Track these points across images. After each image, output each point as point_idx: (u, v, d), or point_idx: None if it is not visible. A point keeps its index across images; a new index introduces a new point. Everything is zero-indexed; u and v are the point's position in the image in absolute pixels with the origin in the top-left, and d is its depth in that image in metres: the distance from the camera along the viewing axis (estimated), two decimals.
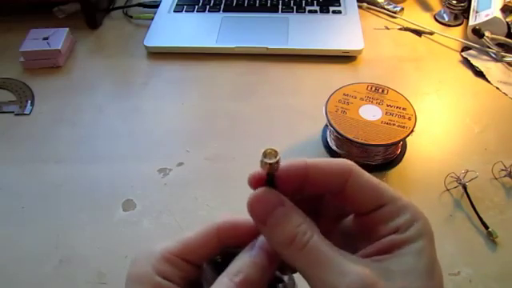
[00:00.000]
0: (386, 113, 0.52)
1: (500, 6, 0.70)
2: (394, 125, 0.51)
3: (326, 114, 0.53)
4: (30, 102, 0.65)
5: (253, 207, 0.22)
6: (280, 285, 0.25)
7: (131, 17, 0.80)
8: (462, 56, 0.70)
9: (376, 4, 0.81)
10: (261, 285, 0.22)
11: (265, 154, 0.23)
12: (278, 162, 0.22)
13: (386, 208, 0.22)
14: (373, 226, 0.23)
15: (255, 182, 0.23)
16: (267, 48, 0.70)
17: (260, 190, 0.22)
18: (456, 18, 0.78)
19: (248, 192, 0.24)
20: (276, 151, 0.22)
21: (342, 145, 0.53)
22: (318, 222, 0.23)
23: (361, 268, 0.20)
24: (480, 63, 0.68)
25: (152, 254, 0.23)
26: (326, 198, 0.26)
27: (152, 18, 0.77)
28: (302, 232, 0.21)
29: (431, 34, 0.74)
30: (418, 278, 0.20)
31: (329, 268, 0.20)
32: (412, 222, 0.22)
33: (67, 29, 0.73)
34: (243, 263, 0.22)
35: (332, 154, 0.55)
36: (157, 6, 0.80)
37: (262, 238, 0.23)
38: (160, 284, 0.23)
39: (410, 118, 0.52)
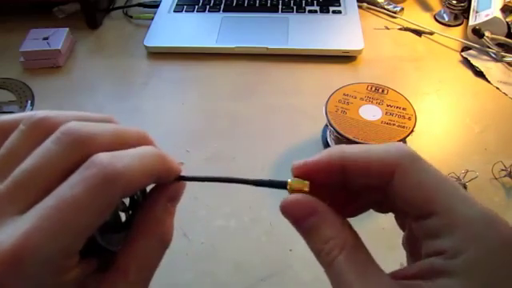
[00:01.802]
0: (386, 113, 0.52)
1: (500, 5, 0.70)
2: (394, 125, 0.51)
3: (326, 113, 0.53)
4: (29, 102, 0.65)
5: (286, 210, 0.21)
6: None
7: (131, 17, 0.80)
8: (461, 56, 0.70)
9: (376, 4, 0.81)
10: None
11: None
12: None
13: (434, 219, 0.18)
14: (419, 238, 0.19)
15: (297, 171, 0.22)
16: (267, 48, 0.70)
17: (294, 197, 0.21)
18: (456, 17, 0.78)
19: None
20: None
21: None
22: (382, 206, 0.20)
23: None
24: (480, 63, 0.68)
25: None
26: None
27: (152, 18, 0.77)
28: (328, 249, 0.19)
29: (431, 33, 0.74)
30: None
31: None
32: (464, 248, 0.17)
33: (67, 29, 0.73)
34: (159, 215, 0.22)
35: None
36: (157, 6, 0.80)
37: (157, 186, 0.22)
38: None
39: (410, 118, 0.52)
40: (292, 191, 0.21)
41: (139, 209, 0.22)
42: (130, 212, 0.24)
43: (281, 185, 0.22)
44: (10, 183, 0.18)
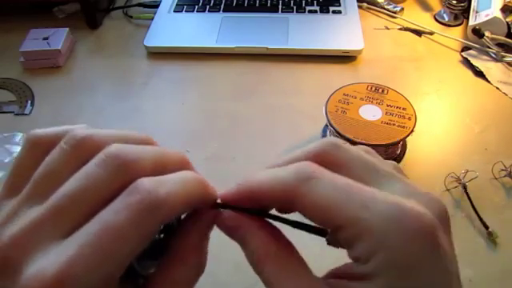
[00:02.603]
0: (386, 113, 0.52)
1: (500, 5, 0.70)
2: (393, 125, 0.51)
3: (326, 113, 0.53)
4: (29, 102, 0.65)
5: (219, 226, 0.22)
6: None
7: (131, 17, 0.80)
8: (461, 56, 0.70)
9: (376, 4, 0.81)
10: None
11: None
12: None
13: (342, 232, 0.18)
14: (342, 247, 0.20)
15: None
16: (267, 48, 0.70)
17: (225, 212, 0.22)
18: (456, 18, 0.78)
19: None
20: None
21: None
22: None
23: None
24: (480, 63, 0.68)
25: None
26: None
27: (152, 18, 0.77)
28: (256, 259, 0.20)
29: (431, 34, 0.74)
30: None
31: None
32: (371, 253, 0.17)
33: (67, 29, 0.73)
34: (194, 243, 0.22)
35: None
36: (157, 6, 0.80)
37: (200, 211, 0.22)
38: None
39: (410, 118, 0.52)
40: None
41: (175, 234, 0.22)
42: (162, 235, 0.23)
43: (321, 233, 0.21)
44: (52, 206, 0.18)
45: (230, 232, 0.21)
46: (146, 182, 0.18)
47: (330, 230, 0.20)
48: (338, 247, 0.20)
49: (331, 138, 0.22)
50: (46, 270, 0.16)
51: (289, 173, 0.20)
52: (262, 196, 0.21)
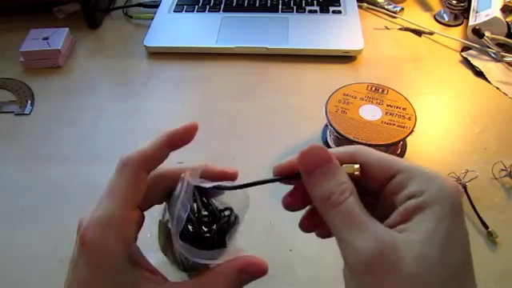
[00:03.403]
0: (386, 113, 0.52)
1: (500, 5, 0.70)
2: (393, 125, 0.51)
3: (326, 113, 0.53)
4: (29, 102, 0.65)
5: (304, 158, 0.24)
6: (226, 212, 0.27)
7: (131, 17, 0.80)
8: (461, 56, 0.70)
9: (376, 4, 0.81)
10: None
11: None
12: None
13: (397, 177, 0.23)
14: (390, 198, 0.23)
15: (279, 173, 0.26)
16: (267, 48, 0.70)
17: (313, 145, 0.24)
18: (456, 18, 0.78)
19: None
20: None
21: (342, 145, 0.53)
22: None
23: (384, 236, 0.21)
24: (480, 63, 0.68)
25: (111, 221, 0.24)
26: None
27: (152, 18, 0.77)
28: (341, 190, 0.23)
29: (431, 34, 0.74)
30: (435, 246, 0.20)
31: (356, 231, 0.21)
32: (426, 187, 0.22)
33: (67, 29, 0.73)
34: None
35: None
36: (157, 6, 0.80)
37: (252, 259, 0.26)
38: (130, 257, 0.24)
39: (410, 118, 0.52)
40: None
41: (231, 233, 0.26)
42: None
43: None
44: None
45: (316, 165, 0.24)
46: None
47: (388, 177, 0.23)
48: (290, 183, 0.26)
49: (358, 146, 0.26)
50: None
51: (348, 146, 0.25)
52: (336, 157, 0.24)
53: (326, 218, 0.23)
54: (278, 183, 0.26)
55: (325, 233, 0.27)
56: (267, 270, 0.25)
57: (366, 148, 0.25)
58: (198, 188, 0.26)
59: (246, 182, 0.26)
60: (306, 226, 0.27)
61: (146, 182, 0.26)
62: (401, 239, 0.21)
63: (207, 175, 0.27)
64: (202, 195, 0.26)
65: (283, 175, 0.26)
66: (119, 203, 0.24)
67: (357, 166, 0.24)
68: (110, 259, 0.23)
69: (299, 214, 0.29)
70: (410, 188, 0.22)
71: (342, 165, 0.24)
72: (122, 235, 0.24)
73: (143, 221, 0.27)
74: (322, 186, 0.23)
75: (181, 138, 0.28)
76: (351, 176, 0.24)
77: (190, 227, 0.26)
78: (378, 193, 0.24)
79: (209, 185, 0.26)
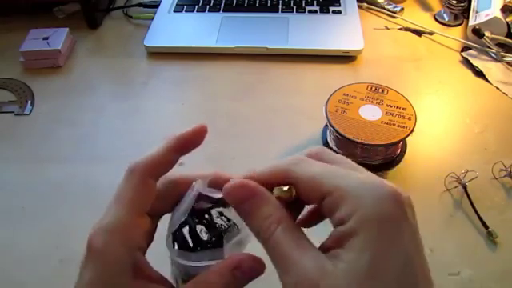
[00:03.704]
0: (386, 113, 0.52)
1: (500, 5, 0.70)
2: (394, 125, 0.51)
3: (326, 113, 0.53)
4: (29, 102, 0.65)
5: (228, 195, 0.23)
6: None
7: (131, 17, 0.80)
8: (462, 56, 0.70)
9: (376, 4, 0.81)
10: None
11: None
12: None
13: (328, 199, 0.21)
14: (326, 218, 0.22)
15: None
16: (267, 48, 0.70)
17: (234, 181, 0.23)
18: (456, 18, 0.78)
19: None
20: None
21: (342, 145, 0.53)
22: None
23: (308, 272, 0.20)
24: (480, 63, 0.68)
25: (116, 225, 0.24)
26: None
27: (152, 18, 0.77)
28: (266, 226, 0.22)
29: (431, 34, 0.74)
30: (357, 279, 0.19)
31: (282, 266, 0.21)
32: (353, 211, 0.20)
33: (67, 29, 0.73)
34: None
35: None
36: (157, 6, 0.80)
37: (248, 257, 0.25)
38: (137, 261, 0.24)
39: (410, 118, 0.52)
40: (278, 198, 0.23)
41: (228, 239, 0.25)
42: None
43: None
44: None
45: (241, 201, 0.23)
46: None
47: (318, 200, 0.22)
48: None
49: (319, 146, 0.26)
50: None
51: (283, 161, 0.24)
52: (265, 178, 0.24)
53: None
54: None
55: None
56: (264, 268, 0.24)
57: (300, 163, 0.23)
58: (204, 197, 0.26)
59: None
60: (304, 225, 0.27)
61: (154, 188, 0.26)
62: (328, 269, 0.20)
63: (216, 184, 0.26)
64: (206, 204, 0.26)
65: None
66: (125, 209, 0.24)
67: (286, 188, 0.23)
68: (114, 264, 0.23)
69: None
70: (339, 211, 0.21)
71: (273, 187, 0.24)
72: (127, 241, 0.24)
73: (155, 229, 0.27)
74: (251, 221, 0.23)
75: (190, 142, 0.27)
76: (285, 199, 0.23)
77: (186, 233, 0.26)
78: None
79: (217, 195, 0.25)
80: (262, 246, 0.23)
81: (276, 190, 0.23)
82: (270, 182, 0.24)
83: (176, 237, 0.25)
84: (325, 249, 0.22)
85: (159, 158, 0.26)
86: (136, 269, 0.24)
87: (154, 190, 0.26)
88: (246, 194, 0.23)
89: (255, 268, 0.24)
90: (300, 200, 0.24)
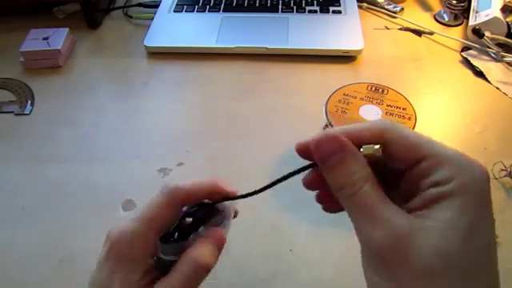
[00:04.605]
0: (386, 113, 0.52)
1: (500, 5, 0.70)
2: None
3: (326, 113, 0.53)
4: (29, 102, 0.65)
5: (317, 146, 0.23)
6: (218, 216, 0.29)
7: (131, 17, 0.80)
8: (462, 56, 0.70)
9: (376, 4, 0.81)
10: None
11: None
12: None
13: (425, 162, 0.22)
14: (415, 182, 0.22)
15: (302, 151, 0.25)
16: (267, 48, 0.70)
17: (326, 133, 0.23)
18: (456, 18, 0.78)
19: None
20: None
21: None
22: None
23: (398, 226, 0.21)
24: (480, 63, 0.68)
25: (134, 234, 0.27)
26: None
27: (152, 18, 0.77)
28: (353, 182, 0.22)
29: (431, 34, 0.74)
30: (455, 238, 0.20)
31: (368, 222, 0.21)
32: (453, 176, 0.21)
33: (67, 29, 0.73)
34: (203, 252, 0.27)
35: None
36: (157, 6, 0.80)
37: (213, 230, 0.28)
38: (149, 265, 0.26)
39: (410, 118, 0.52)
40: (365, 156, 0.23)
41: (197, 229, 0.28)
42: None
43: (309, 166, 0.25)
44: None
45: (328, 155, 0.23)
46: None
47: (413, 161, 0.22)
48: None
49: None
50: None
51: (373, 122, 0.24)
52: (356, 136, 0.23)
53: (343, 205, 0.23)
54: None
55: (332, 207, 0.27)
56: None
57: (396, 125, 0.23)
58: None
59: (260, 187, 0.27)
60: (311, 184, 0.27)
61: (177, 215, 0.28)
62: (417, 226, 0.20)
63: (212, 194, 0.29)
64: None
65: (301, 152, 0.25)
66: (146, 224, 0.27)
67: (377, 146, 0.23)
68: (131, 263, 0.26)
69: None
70: (436, 175, 0.21)
71: (362, 144, 0.23)
72: (144, 248, 0.27)
73: None
74: (336, 176, 0.23)
75: (223, 193, 0.29)
76: (371, 158, 0.23)
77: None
78: (402, 172, 0.23)
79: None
80: (342, 202, 0.23)
81: (366, 148, 0.23)
82: (359, 140, 0.23)
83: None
84: (408, 210, 0.22)
85: (196, 194, 0.28)
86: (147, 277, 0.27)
87: (176, 218, 0.28)
88: (335, 147, 0.23)
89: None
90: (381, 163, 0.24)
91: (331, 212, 0.27)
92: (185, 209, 0.28)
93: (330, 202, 0.26)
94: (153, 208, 0.27)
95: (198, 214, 0.29)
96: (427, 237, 0.20)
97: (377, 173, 0.23)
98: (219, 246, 0.28)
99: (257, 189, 0.27)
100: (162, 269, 0.27)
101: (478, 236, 0.20)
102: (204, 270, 0.27)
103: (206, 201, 0.29)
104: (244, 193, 0.28)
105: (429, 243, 0.20)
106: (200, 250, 0.27)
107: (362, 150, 0.23)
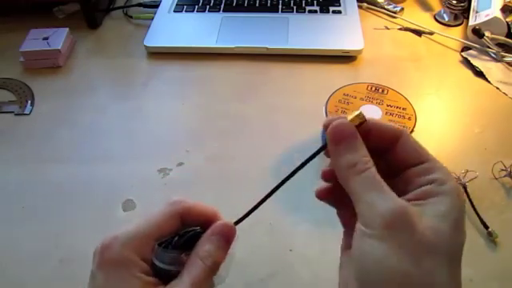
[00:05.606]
0: (386, 113, 0.53)
1: (500, 5, 0.70)
2: None
3: (326, 113, 0.53)
4: (29, 102, 0.65)
5: (334, 130, 0.26)
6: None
7: (131, 17, 0.80)
8: (462, 56, 0.70)
9: (376, 4, 0.81)
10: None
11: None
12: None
13: (425, 164, 0.26)
14: (413, 178, 0.26)
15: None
16: (267, 48, 0.70)
17: (342, 121, 0.27)
18: (456, 18, 0.78)
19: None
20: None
21: None
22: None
23: (403, 201, 0.24)
24: (480, 63, 0.68)
25: (128, 239, 0.27)
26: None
27: (152, 18, 0.77)
28: (365, 161, 0.25)
29: (431, 34, 0.74)
30: (447, 225, 0.23)
31: (378, 193, 0.24)
32: (446, 181, 0.25)
33: (67, 29, 0.73)
34: (211, 248, 0.28)
35: None
36: (157, 6, 0.80)
37: (218, 223, 0.29)
38: (145, 268, 0.27)
39: (410, 118, 0.52)
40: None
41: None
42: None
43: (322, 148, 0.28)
44: None
45: (343, 138, 0.26)
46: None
47: (418, 161, 0.26)
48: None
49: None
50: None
51: (393, 124, 0.28)
52: (378, 130, 0.28)
53: (347, 184, 0.26)
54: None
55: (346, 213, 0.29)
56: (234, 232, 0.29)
57: (408, 134, 0.28)
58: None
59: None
60: (323, 194, 0.30)
61: (177, 227, 0.29)
62: (417, 209, 0.24)
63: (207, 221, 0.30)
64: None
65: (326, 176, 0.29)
66: (146, 229, 0.28)
67: (357, 112, 0.27)
68: (124, 269, 0.26)
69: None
70: (435, 175, 0.25)
71: (379, 138, 0.27)
72: (139, 254, 0.27)
73: None
74: (348, 155, 0.26)
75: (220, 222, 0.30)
76: (358, 125, 0.27)
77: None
78: (397, 172, 0.27)
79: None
80: (348, 179, 0.25)
81: (351, 118, 0.27)
82: (380, 132, 0.27)
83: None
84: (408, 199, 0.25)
85: (199, 212, 0.30)
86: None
87: (176, 229, 0.29)
88: (350, 133, 0.26)
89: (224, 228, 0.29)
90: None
91: (325, 199, 0.30)
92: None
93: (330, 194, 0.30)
94: (154, 214, 0.28)
95: (198, 232, 0.29)
96: (425, 219, 0.23)
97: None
98: (228, 239, 0.29)
99: (269, 190, 0.29)
100: (160, 277, 0.27)
101: (460, 233, 0.24)
102: (215, 267, 0.28)
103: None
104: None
105: (427, 223, 0.23)
106: (208, 247, 0.28)
107: (348, 118, 0.27)
